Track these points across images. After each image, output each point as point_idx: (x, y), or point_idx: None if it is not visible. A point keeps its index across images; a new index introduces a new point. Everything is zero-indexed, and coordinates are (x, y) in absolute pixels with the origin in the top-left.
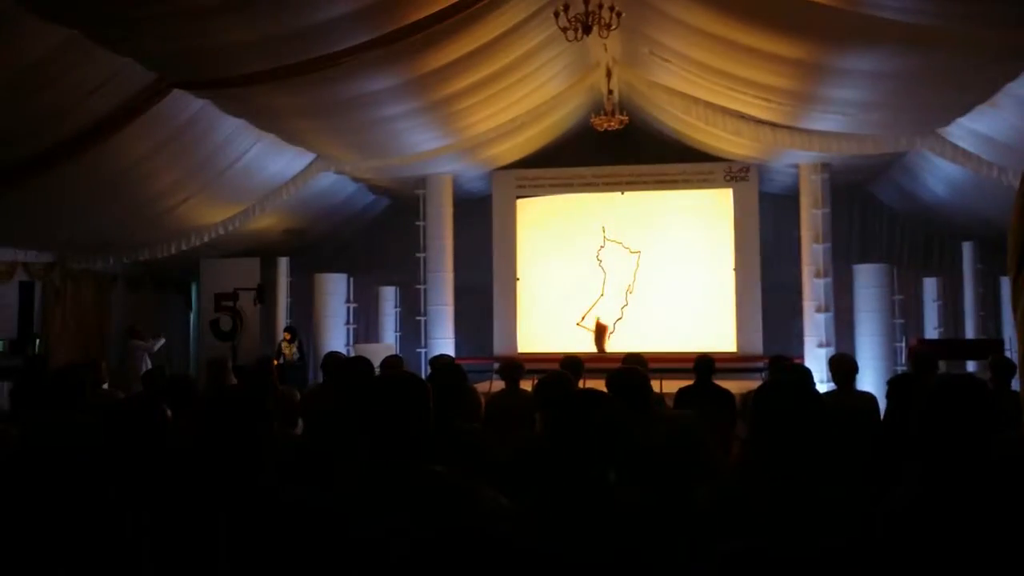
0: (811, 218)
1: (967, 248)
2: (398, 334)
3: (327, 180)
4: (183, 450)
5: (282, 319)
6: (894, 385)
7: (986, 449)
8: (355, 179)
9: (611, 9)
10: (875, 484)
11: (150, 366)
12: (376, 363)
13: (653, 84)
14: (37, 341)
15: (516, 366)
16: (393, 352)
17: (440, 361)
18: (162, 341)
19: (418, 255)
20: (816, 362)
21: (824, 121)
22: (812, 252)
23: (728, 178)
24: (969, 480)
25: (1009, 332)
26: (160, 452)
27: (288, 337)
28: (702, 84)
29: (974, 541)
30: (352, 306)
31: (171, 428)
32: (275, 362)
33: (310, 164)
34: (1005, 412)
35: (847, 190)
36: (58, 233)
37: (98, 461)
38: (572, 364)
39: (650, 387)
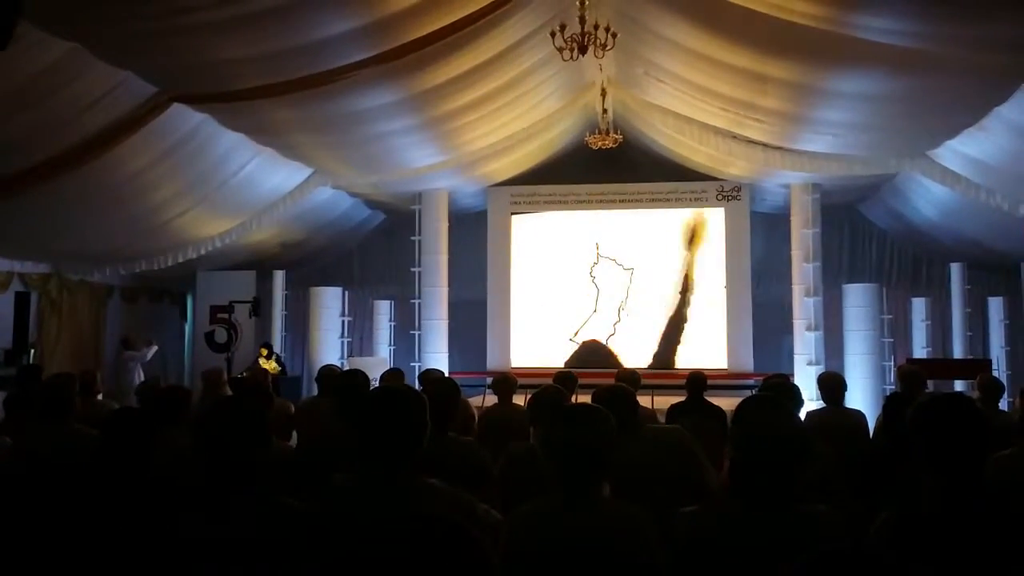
0: (802, 238)
1: (955, 269)
2: (392, 348)
3: (324, 194)
4: (174, 461)
5: (277, 332)
6: (890, 401)
7: (981, 467)
8: (352, 194)
9: (607, 30)
10: (865, 500)
11: (143, 377)
12: (370, 376)
13: (647, 104)
14: (32, 351)
15: (509, 381)
16: (386, 365)
17: (431, 375)
18: (154, 349)
19: (413, 269)
20: (806, 380)
21: (815, 142)
22: (802, 271)
23: (720, 197)
24: (967, 498)
25: (996, 352)
26: (148, 463)
27: (264, 353)
28: (695, 104)
29: (970, 561)
30: (347, 319)
31: (161, 438)
32: (240, 375)
33: (307, 179)
34: (995, 430)
35: (838, 210)
36: (55, 244)
37: (88, 473)
38: (565, 379)
39: (635, 402)
